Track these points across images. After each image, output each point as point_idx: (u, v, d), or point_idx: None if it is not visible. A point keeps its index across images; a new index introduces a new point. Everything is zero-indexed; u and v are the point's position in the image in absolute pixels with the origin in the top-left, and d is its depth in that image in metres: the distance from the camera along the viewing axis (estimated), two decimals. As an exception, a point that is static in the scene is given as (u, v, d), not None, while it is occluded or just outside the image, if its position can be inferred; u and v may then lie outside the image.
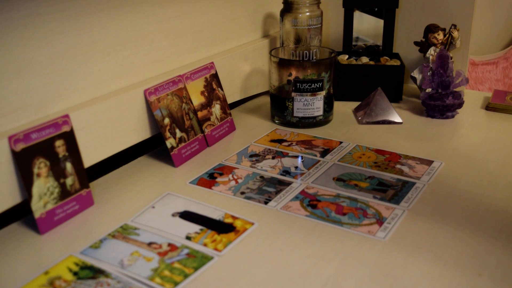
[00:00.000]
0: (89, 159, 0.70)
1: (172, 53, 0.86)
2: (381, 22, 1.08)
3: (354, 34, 1.10)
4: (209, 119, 0.86)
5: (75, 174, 0.66)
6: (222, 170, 0.77)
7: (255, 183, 0.73)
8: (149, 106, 0.77)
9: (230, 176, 0.75)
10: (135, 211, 0.66)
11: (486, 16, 1.52)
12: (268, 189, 0.72)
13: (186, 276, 0.55)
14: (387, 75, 1.02)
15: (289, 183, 0.73)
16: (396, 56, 1.08)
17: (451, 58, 0.95)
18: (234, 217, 0.65)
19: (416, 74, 1.01)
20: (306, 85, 0.89)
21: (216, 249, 0.59)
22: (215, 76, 0.89)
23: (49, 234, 0.62)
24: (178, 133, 0.80)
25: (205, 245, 0.60)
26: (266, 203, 0.68)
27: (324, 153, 0.83)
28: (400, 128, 0.93)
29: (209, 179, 0.75)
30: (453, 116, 0.96)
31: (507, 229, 0.62)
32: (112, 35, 0.74)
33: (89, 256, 0.58)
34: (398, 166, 0.78)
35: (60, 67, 0.68)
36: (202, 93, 0.86)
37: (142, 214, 0.66)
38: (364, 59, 1.07)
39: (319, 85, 0.89)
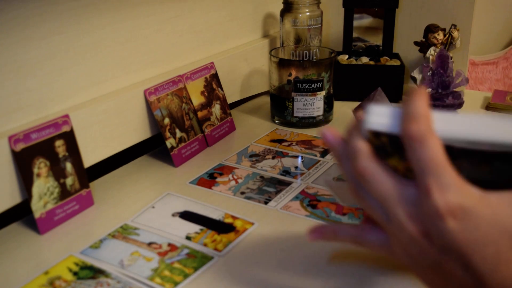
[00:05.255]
0: (89, 159, 0.70)
1: (172, 53, 0.86)
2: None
3: (354, 34, 1.10)
4: (209, 119, 0.86)
5: (75, 174, 0.66)
6: (222, 170, 0.77)
7: (255, 183, 0.73)
8: (149, 106, 0.77)
9: (230, 176, 0.75)
10: (135, 211, 0.66)
11: (486, 16, 1.52)
12: (268, 189, 0.72)
13: (186, 276, 0.55)
14: (387, 75, 1.02)
15: (289, 183, 0.73)
16: (396, 56, 1.08)
17: (451, 58, 0.95)
18: (234, 217, 0.65)
19: (416, 74, 1.01)
20: (306, 85, 0.89)
21: (216, 249, 0.59)
22: (215, 76, 0.89)
23: (49, 234, 0.62)
24: (178, 133, 0.80)
25: (205, 245, 0.60)
26: (266, 203, 0.68)
27: (324, 153, 0.83)
28: (400, 128, 0.92)
29: (209, 179, 0.75)
30: (453, 116, 0.96)
31: (507, 229, 0.62)
32: (112, 35, 0.74)
33: (89, 256, 0.58)
34: (398, 166, 0.78)
35: (60, 67, 0.68)
36: (202, 93, 0.86)
37: (142, 214, 0.66)
38: (364, 59, 1.07)
39: (319, 85, 0.89)
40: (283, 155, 0.82)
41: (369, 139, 0.40)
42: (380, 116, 0.39)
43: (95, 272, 0.55)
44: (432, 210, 0.37)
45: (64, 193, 0.65)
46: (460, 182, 0.37)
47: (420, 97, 0.38)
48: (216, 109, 0.88)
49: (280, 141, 0.87)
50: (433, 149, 0.37)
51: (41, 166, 0.62)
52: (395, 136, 0.39)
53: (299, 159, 0.81)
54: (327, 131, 0.44)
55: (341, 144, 0.43)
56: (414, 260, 0.41)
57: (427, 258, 0.39)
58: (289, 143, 0.86)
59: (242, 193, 0.71)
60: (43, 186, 0.62)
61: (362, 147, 0.40)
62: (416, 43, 1.01)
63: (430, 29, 0.98)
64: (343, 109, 1.01)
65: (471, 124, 0.37)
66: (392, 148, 0.39)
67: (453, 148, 0.37)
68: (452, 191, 0.36)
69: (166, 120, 0.78)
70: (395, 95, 1.03)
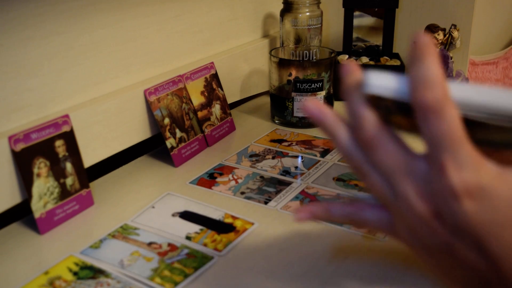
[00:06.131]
0: (89, 159, 0.70)
1: (172, 53, 0.86)
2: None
3: (354, 34, 1.10)
4: (209, 119, 0.86)
5: (75, 174, 0.66)
6: (222, 170, 0.77)
7: (255, 183, 0.73)
8: (149, 106, 0.77)
9: (230, 176, 0.75)
10: (135, 211, 0.66)
11: (486, 16, 1.52)
12: (268, 189, 0.72)
13: (186, 276, 0.55)
14: (387, 75, 1.02)
15: (289, 183, 0.73)
16: (396, 56, 1.08)
17: (451, 58, 0.95)
18: (234, 217, 0.65)
19: (416, 74, 1.01)
20: (306, 85, 0.89)
21: (216, 249, 0.59)
22: (215, 76, 0.89)
23: (49, 234, 0.62)
24: (178, 133, 0.80)
25: (205, 245, 0.60)
26: (266, 203, 0.68)
27: (324, 153, 0.83)
28: (400, 128, 0.92)
29: (209, 179, 0.75)
30: (453, 116, 0.96)
31: (507, 229, 0.62)
32: (112, 35, 0.74)
33: (89, 256, 0.58)
34: (398, 166, 0.78)
35: (60, 67, 0.68)
36: (202, 93, 0.86)
37: (142, 214, 0.66)
38: (364, 59, 1.07)
39: (319, 85, 0.89)
40: (283, 155, 0.82)
41: (370, 102, 0.36)
42: (383, 78, 0.35)
43: (95, 272, 0.55)
44: (446, 189, 0.34)
45: (64, 193, 0.65)
46: (477, 158, 0.34)
47: (432, 57, 0.33)
48: (216, 109, 0.88)
49: (280, 141, 0.87)
50: (451, 122, 0.33)
51: (41, 166, 0.62)
52: (401, 101, 0.35)
53: (299, 159, 0.81)
54: (311, 104, 0.39)
55: (331, 115, 0.39)
56: (421, 242, 0.38)
57: (437, 240, 0.36)
58: (289, 143, 0.86)
59: (242, 193, 0.71)
60: (43, 186, 0.62)
61: (368, 113, 0.37)
62: (416, 43, 1.01)
63: (430, 29, 0.98)
64: (343, 109, 1.01)
65: (489, 92, 0.33)
66: (397, 109, 0.36)
67: (470, 120, 0.33)
68: (469, 168, 0.33)
69: (166, 120, 0.78)
70: (395, 95, 1.03)
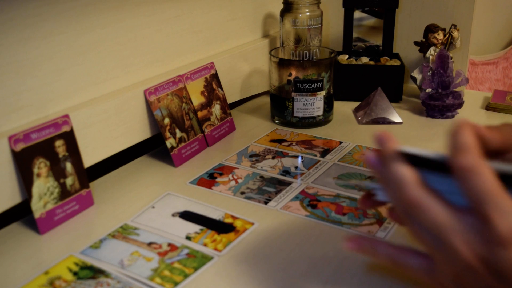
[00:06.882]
0: (89, 159, 0.70)
1: (172, 53, 0.86)
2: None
3: (354, 34, 1.10)
4: (209, 119, 0.86)
5: (75, 174, 0.66)
6: (222, 170, 0.77)
7: (255, 183, 0.73)
8: (149, 106, 0.77)
9: (230, 176, 0.75)
10: (135, 211, 0.66)
11: (486, 16, 1.52)
12: (268, 189, 0.72)
13: (186, 276, 0.55)
14: (387, 75, 1.02)
15: (289, 183, 0.73)
16: (396, 56, 1.08)
17: (451, 58, 0.95)
18: (234, 217, 0.65)
19: (416, 74, 1.01)
20: (306, 85, 0.89)
21: (216, 249, 0.59)
22: (215, 76, 0.89)
23: (49, 234, 0.62)
24: (178, 133, 0.80)
25: (205, 245, 0.60)
26: (266, 203, 0.68)
27: (324, 153, 0.83)
28: (400, 128, 0.93)
29: (209, 179, 0.75)
30: (453, 116, 0.96)
31: (507, 229, 0.62)
32: (112, 35, 0.74)
33: (89, 256, 0.58)
34: (398, 166, 0.78)
35: (60, 67, 0.68)
36: (202, 93, 0.86)
37: (142, 214, 0.66)
38: (364, 59, 1.07)
39: (319, 85, 0.89)
40: (283, 155, 0.82)
41: (406, 162, 0.39)
42: (412, 147, 0.39)
43: (95, 272, 0.55)
44: (493, 236, 0.36)
45: (64, 193, 0.65)
46: None
47: (467, 129, 0.38)
48: (216, 109, 0.88)
49: (280, 141, 0.87)
50: (487, 177, 0.36)
51: (41, 166, 0.62)
52: (435, 159, 0.38)
53: (299, 159, 0.81)
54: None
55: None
56: (463, 287, 0.40)
57: (480, 285, 0.38)
58: (289, 143, 0.86)
59: (242, 193, 0.71)
60: (43, 186, 0.62)
61: (407, 173, 0.39)
62: (416, 43, 1.01)
63: (430, 29, 0.98)
64: (343, 109, 1.01)
65: None
66: (431, 166, 0.39)
67: (504, 175, 0.37)
68: None
69: (166, 120, 0.78)
70: (395, 95, 1.03)
